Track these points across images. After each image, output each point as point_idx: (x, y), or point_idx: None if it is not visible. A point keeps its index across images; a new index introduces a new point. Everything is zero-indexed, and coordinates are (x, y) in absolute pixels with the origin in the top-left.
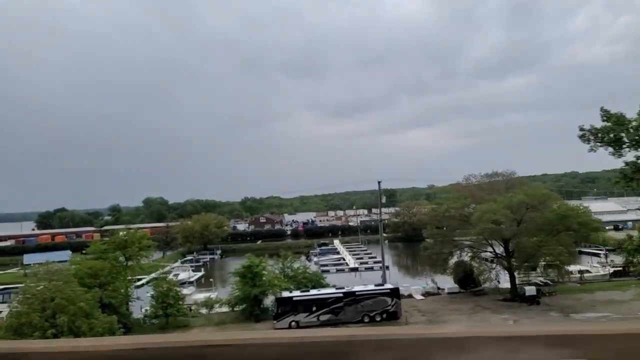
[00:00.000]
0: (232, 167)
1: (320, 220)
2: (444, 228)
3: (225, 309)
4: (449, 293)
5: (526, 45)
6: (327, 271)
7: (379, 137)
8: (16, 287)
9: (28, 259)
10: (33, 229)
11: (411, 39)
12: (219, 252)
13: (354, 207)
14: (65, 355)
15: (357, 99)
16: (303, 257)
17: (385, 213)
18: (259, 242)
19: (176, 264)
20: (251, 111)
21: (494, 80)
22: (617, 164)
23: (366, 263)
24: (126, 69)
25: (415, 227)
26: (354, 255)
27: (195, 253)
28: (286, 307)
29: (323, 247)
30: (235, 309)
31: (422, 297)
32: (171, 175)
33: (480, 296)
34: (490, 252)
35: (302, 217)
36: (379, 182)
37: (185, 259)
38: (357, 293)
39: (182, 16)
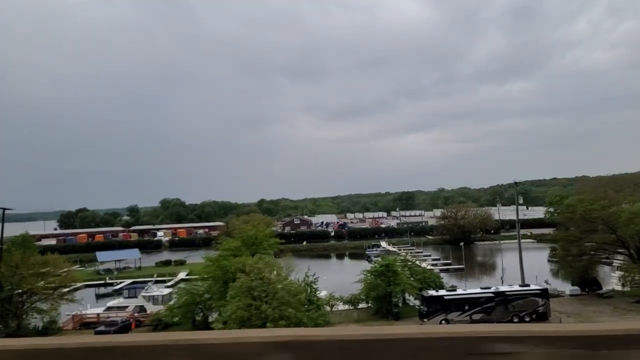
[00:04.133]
0: (234, 168)
1: (349, 222)
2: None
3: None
4: (571, 295)
5: (527, 50)
6: None
7: (378, 141)
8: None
9: (101, 256)
10: (55, 229)
11: (411, 43)
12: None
13: (397, 209)
14: None
15: (356, 102)
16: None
17: (412, 215)
18: (304, 242)
19: None
20: (251, 114)
21: (495, 85)
22: (629, 168)
23: (435, 265)
24: (127, 72)
25: (465, 230)
26: (414, 257)
27: None
28: (436, 305)
29: (381, 249)
30: (357, 306)
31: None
32: (176, 177)
33: (607, 299)
34: (627, 254)
35: (322, 219)
36: (516, 183)
37: None
38: (507, 293)
39: (182, 18)
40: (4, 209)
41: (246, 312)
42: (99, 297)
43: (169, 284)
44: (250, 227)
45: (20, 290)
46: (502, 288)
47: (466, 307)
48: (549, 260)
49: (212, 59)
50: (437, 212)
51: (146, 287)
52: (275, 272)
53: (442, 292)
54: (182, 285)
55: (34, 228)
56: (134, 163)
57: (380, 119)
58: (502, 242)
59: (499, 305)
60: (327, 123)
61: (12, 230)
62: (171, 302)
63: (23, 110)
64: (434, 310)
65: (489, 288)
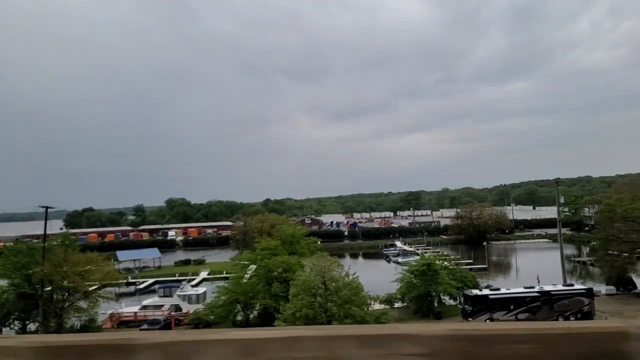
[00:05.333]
0: (234, 169)
1: (358, 222)
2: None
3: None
4: (607, 294)
5: (528, 50)
6: None
7: (378, 141)
8: (172, 281)
9: (122, 255)
10: (61, 228)
11: (412, 44)
12: None
13: (412, 209)
14: None
15: (356, 102)
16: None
17: (421, 215)
18: (318, 242)
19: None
20: (252, 114)
21: (495, 85)
22: (633, 168)
23: (457, 265)
24: (127, 73)
25: (481, 230)
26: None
27: None
28: (481, 305)
29: (398, 249)
30: (393, 306)
31: None
32: (177, 177)
33: None
34: None
35: (329, 219)
36: (557, 182)
37: None
38: (552, 292)
39: (183, 18)
40: (46, 208)
41: (311, 310)
42: (119, 296)
43: (192, 283)
44: (287, 227)
45: (61, 288)
46: (547, 287)
47: (511, 307)
48: (573, 260)
49: (213, 60)
50: (445, 212)
51: (181, 286)
52: (336, 270)
53: (486, 292)
54: (224, 283)
55: (37, 228)
56: (135, 163)
57: (381, 119)
58: (517, 241)
59: (544, 305)
60: (328, 123)
61: (15, 230)
62: (206, 301)
63: (24, 110)
64: (479, 310)
65: (533, 287)
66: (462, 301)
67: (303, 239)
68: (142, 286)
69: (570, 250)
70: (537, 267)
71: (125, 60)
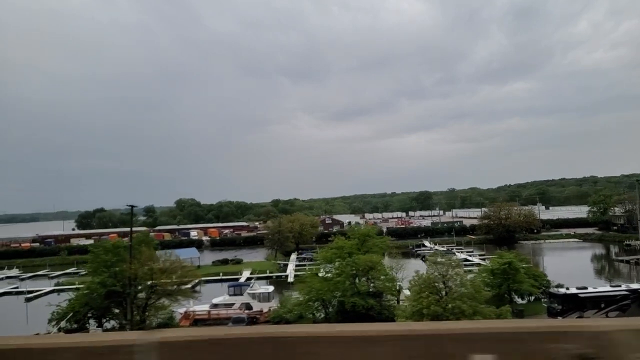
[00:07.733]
0: (235, 169)
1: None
2: None
3: None
4: None
5: (528, 50)
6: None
7: (380, 141)
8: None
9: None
10: (73, 229)
11: (413, 44)
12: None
13: (437, 208)
14: None
15: (357, 103)
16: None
17: (435, 215)
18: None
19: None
20: (254, 115)
21: (496, 86)
22: (637, 168)
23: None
24: (129, 74)
25: (510, 230)
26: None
27: (297, 252)
28: (570, 303)
29: (434, 248)
30: None
31: None
32: (177, 177)
33: None
34: None
35: (343, 219)
36: (637, 181)
37: (303, 256)
38: None
39: (183, 18)
40: (132, 207)
41: (439, 307)
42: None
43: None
44: (359, 228)
45: (147, 285)
46: (634, 286)
47: (602, 305)
48: (615, 259)
49: (214, 60)
50: (459, 212)
51: (251, 285)
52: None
53: (574, 290)
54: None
55: (44, 229)
56: (134, 163)
57: (382, 119)
58: (545, 241)
59: (633, 303)
60: (329, 124)
61: (18, 230)
62: (274, 299)
63: (24, 111)
64: (569, 309)
65: (619, 285)
66: (548, 300)
67: (375, 237)
68: (187, 286)
69: (599, 249)
70: (577, 266)
71: (126, 60)
